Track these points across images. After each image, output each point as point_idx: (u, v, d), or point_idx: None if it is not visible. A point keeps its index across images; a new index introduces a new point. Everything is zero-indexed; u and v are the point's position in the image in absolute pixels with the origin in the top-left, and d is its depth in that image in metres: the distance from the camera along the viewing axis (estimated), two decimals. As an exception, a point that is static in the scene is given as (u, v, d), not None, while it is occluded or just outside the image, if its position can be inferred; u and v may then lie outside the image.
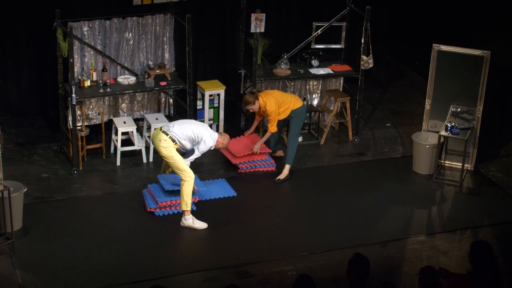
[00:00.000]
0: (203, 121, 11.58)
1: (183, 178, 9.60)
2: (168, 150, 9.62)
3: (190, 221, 9.60)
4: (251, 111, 10.89)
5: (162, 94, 11.72)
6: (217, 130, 11.76)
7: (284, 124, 11.32)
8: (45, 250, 9.11)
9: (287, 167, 10.90)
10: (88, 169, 10.93)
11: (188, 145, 9.79)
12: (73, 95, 10.40)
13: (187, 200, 9.57)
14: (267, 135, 10.86)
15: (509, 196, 10.73)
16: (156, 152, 10.23)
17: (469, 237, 9.77)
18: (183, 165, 9.63)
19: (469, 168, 11.34)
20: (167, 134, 9.65)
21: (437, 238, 9.72)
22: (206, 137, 9.74)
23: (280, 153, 11.42)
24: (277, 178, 10.83)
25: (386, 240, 9.58)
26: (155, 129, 10.06)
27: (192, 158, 9.81)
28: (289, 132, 11.00)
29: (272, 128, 10.73)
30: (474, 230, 9.96)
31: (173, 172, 10.07)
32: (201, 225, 9.64)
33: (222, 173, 10.98)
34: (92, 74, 10.98)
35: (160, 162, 10.69)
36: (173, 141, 9.65)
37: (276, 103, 10.64)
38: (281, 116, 10.77)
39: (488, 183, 11.09)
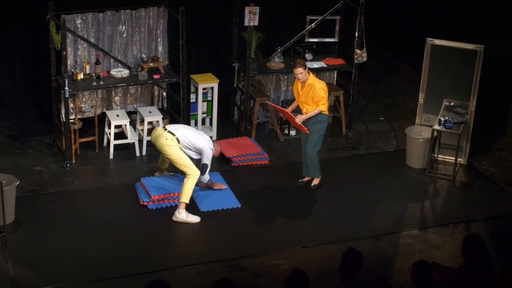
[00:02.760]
0: (196, 115, 11.56)
1: (188, 174, 9.65)
2: (174, 148, 9.65)
3: (183, 215, 9.61)
4: (296, 76, 10.07)
5: (155, 87, 11.70)
6: (211, 124, 11.75)
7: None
8: (38, 243, 9.10)
9: (317, 180, 10.61)
10: (81, 162, 10.91)
11: (190, 152, 9.79)
12: (66, 88, 10.37)
13: (188, 193, 9.61)
14: (315, 112, 10.12)
15: (502, 190, 10.75)
16: (149, 145, 10.24)
17: (462, 231, 9.79)
18: (188, 162, 9.68)
19: (462, 162, 11.36)
20: (173, 135, 9.67)
21: (429, 232, 9.73)
22: (204, 144, 9.79)
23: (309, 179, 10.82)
24: (312, 185, 10.59)
25: (379, 234, 9.59)
26: (158, 128, 9.97)
27: (207, 171, 9.89)
28: (309, 139, 10.31)
29: (323, 107, 10.09)
30: (466, 224, 9.98)
31: (170, 167, 10.17)
32: (194, 219, 9.66)
33: (215, 166, 10.96)
34: (85, 67, 10.95)
35: (153, 155, 10.69)
36: (178, 141, 9.67)
37: (326, 86, 10.15)
38: (309, 110, 10.21)
39: (481, 177, 11.11)
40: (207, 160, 9.81)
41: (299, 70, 10.03)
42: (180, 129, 9.86)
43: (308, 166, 10.49)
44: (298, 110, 10.46)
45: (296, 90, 10.30)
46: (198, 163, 9.91)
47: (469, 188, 10.87)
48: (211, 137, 11.35)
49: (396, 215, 10.08)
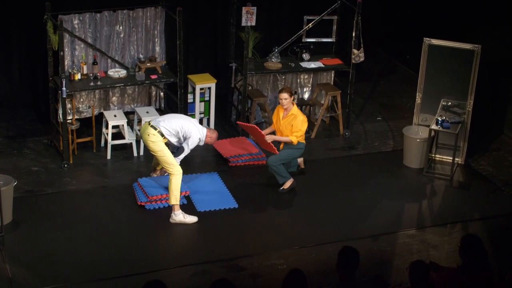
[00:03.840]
0: (194, 115, 11.56)
1: (171, 172, 9.60)
2: (157, 144, 9.60)
3: (180, 216, 9.58)
4: (281, 101, 10.15)
5: (153, 87, 11.70)
6: (208, 124, 11.75)
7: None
8: (35, 244, 9.09)
9: (287, 183, 10.48)
10: (79, 162, 10.91)
11: (174, 141, 9.74)
12: (63, 88, 10.37)
13: (176, 194, 9.56)
14: (286, 139, 10.21)
15: (499, 190, 10.76)
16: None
17: (459, 231, 9.79)
18: (171, 159, 9.62)
19: (459, 162, 11.36)
20: (155, 129, 9.63)
21: (427, 232, 9.74)
22: (194, 132, 9.70)
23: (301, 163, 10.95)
24: (281, 188, 10.48)
25: (377, 234, 9.59)
26: (144, 123, 9.98)
27: (182, 156, 9.81)
28: (279, 152, 10.33)
29: (295, 139, 10.16)
30: (464, 224, 9.99)
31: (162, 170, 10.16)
32: (191, 219, 9.63)
33: (213, 166, 10.97)
34: (83, 67, 10.95)
35: (151, 155, 10.67)
36: (162, 135, 9.63)
37: (306, 120, 10.24)
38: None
39: (478, 177, 11.12)
40: (187, 146, 9.68)
41: (284, 95, 10.11)
42: (164, 121, 9.72)
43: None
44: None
45: (276, 118, 10.35)
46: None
47: (467, 188, 10.87)
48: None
49: (394, 215, 10.08)
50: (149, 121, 9.81)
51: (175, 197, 9.57)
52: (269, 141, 10.25)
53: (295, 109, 10.21)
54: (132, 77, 11.15)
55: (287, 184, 10.45)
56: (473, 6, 12.56)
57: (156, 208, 9.90)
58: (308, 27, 12.06)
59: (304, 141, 10.36)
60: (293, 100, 10.35)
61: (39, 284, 8.41)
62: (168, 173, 9.69)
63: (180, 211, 9.61)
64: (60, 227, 9.42)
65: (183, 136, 9.71)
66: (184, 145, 9.75)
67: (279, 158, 10.32)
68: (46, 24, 10.46)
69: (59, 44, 10.30)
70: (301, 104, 12.05)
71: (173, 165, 9.62)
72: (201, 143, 9.92)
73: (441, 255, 9.20)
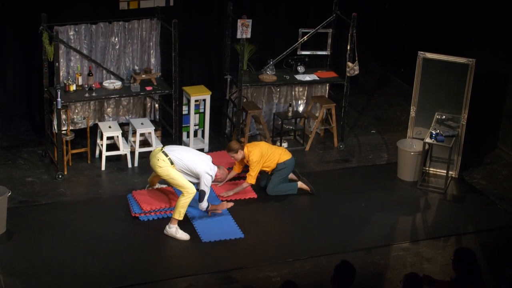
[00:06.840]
0: (188, 127, 11.57)
1: (184, 192, 9.55)
2: (165, 169, 9.57)
3: (173, 229, 9.55)
4: (232, 158, 10.55)
5: (147, 99, 11.71)
6: (203, 136, 11.76)
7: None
8: (29, 255, 9.07)
9: (302, 186, 10.76)
10: (73, 173, 10.90)
11: (186, 171, 9.64)
12: (58, 99, 10.37)
13: (181, 210, 9.53)
14: (244, 185, 10.47)
15: (493, 204, 10.78)
16: (142, 157, 10.20)
17: (453, 244, 9.80)
18: (182, 181, 9.58)
19: (453, 176, 11.38)
20: (166, 155, 9.62)
21: (421, 245, 9.74)
22: (201, 168, 9.58)
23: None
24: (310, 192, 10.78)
25: (371, 247, 9.60)
26: (156, 148, 9.88)
27: (205, 197, 9.62)
28: (270, 183, 10.59)
29: (251, 179, 10.36)
30: (458, 237, 10.00)
31: (162, 182, 10.19)
32: (183, 236, 9.56)
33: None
34: (78, 79, 10.96)
35: (145, 167, 10.68)
36: (171, 163, 9.61)
37: (261, 155, 10.36)
38: (266, 168, 10.53)
39: (472, 190, 11.14)
40: (204, 186, 9.57)
41: (230, 155, 10.44)
42: (177, 151, 9.72)
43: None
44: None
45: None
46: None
47: (461, 201, 10.89)
48: (202, 149, 11.37)
49: (387, 228, 10.09)
50: (161, 147, 9.81)
51: (179, 213, 9.53)
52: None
53: (246, 154, 10.40)
54: (127, 88, 11.16)
55: (303, 186, 10.69)
56: (468, 19, 12.60)
57: (150, 219, 9.90)
58: (303, 40, 12.09)
59: (286, 158, 10.54)
60: (241, 146, 10.47)
61: (32, 295, 8.42)
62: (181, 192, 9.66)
63: (176, 226, 9.56)
64: (53, 238, 9.41)
65: (193, 170, 9.62)
66: (200, 185, 9.60)
67: (273, 184, 10.59)
68: (42, 35, 10.48)
69: (55, 55, 10.32)
70: (296, 116, 12.07)
71: (185, 187, 9.56)
72: (212, 179, 9.78)
73: (434, 268, 9.21)
